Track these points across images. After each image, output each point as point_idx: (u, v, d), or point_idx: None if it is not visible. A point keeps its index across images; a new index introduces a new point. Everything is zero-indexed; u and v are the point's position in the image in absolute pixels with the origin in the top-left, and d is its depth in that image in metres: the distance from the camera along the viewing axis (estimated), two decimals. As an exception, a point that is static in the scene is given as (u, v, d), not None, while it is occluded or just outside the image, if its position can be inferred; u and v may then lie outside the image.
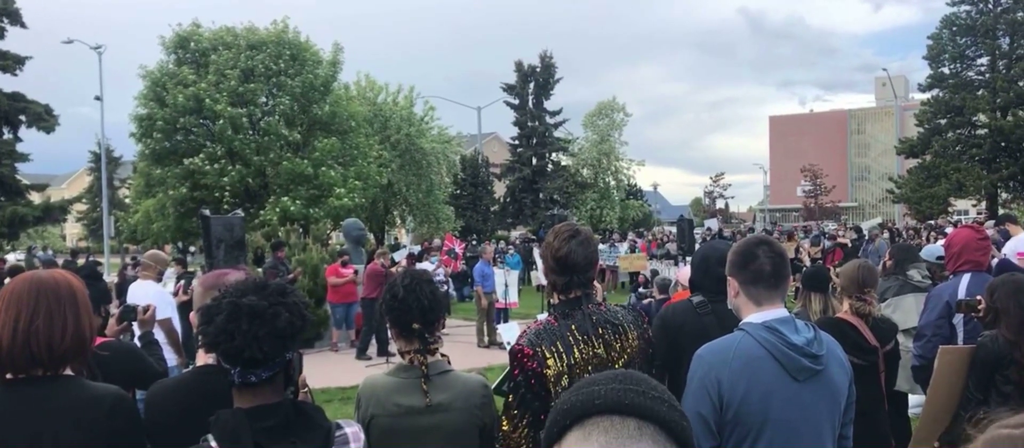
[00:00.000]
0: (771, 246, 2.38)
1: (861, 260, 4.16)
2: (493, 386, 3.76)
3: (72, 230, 64.38)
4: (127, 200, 40.13)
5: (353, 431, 1.90)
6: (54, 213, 29.46)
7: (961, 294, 4.20)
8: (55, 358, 2.02)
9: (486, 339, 12.67)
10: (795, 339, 2.22)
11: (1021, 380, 3.13)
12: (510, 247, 24.14)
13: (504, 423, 2.56)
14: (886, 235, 20.05)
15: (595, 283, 2.88)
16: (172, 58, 27.91)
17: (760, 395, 2.19)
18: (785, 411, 2.20)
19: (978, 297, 3.55)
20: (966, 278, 4.36)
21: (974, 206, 38.24)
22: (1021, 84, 33.79)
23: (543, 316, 3.15)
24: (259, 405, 1.75)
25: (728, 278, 2.40)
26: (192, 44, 27.82)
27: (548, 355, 2.51)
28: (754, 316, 2.30)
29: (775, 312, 2.29)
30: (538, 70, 39.65)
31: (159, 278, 6.68)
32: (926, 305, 4.44)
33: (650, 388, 1.00)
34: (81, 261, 17.21)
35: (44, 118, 27.29)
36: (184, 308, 6.65)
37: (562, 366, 2.50)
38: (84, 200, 46.83)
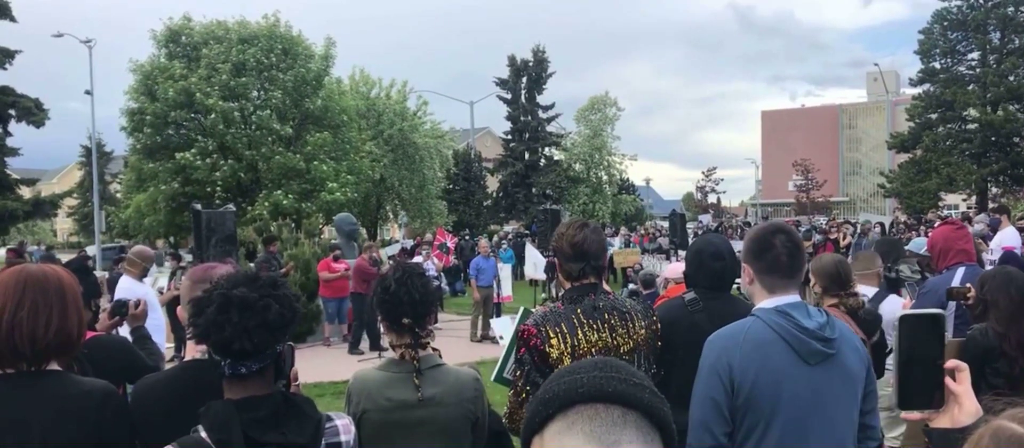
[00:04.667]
0: (789, 236, 2.35)
1: (835, 255, 4.12)
2: (494, 373, 3.81)
3: (63, 225, 63.96)
4: (118, 195, 39.90)
5: (343, 423, 1.90)
6: (44, 208, 29.29)
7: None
8: (38, 352, 1.98)
9: (478, 333, 12.67)
10: (806, 323, 2.21)
11: (1011, 373, 3.14)
12: (503, 242, 24.13)
13: (511, 400, 2.65)
14: (878, 229, 20.16)
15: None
16: (163, 52, 27.77)
17: (771, 379, 2.18)
18: (797, 395, 2.19)
19: (968, 285, 3.56)
20: (961, 271, 4.37)
21: (964, 200, 38.45)
22: (1011, 79, 33.95)
23: (536, 310, 3.19)
24: (249, 397, 1.75)
25: (743, 265, 2.39)
26: (183, 38, 27.69)
27: (551, 334, 2.57)
28: (766, 302, 2.30)
29: (787, 298, 2.28)
30: (531, 64, 39.58)
31: (143, 275, 6.51)
32: (918, 301, 4.45)
33: (631, 375, 0.99)
34: (64, 257, 17.00)
35: (34, 112, 27.07)
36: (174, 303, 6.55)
37: (565, 346, 2.56)
38: (75, 195, 46.41)
